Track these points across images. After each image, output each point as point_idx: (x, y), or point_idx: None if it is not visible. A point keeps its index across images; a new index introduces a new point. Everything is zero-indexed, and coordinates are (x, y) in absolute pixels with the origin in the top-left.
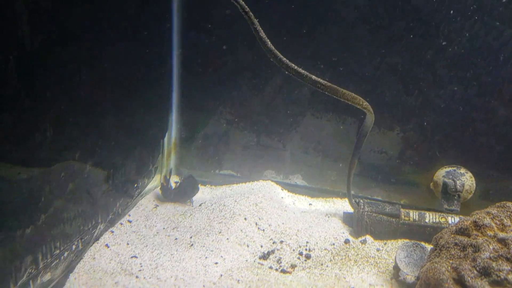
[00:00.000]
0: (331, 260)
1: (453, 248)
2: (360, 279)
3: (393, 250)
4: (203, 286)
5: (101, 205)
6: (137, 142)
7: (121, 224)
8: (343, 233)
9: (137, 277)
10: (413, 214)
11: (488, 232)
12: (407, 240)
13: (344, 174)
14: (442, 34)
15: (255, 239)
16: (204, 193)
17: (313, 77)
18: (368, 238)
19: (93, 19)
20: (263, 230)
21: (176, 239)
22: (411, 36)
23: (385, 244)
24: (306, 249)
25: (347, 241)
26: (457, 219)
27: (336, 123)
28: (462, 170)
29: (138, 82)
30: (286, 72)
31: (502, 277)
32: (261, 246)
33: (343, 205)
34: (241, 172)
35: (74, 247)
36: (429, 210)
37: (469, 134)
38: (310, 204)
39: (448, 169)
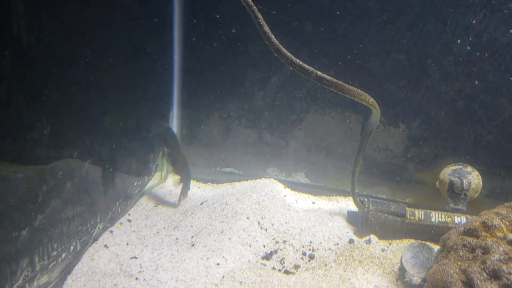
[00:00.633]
0: (335, 260)
1: (461, 250)
2: (365, 281)
3: (399, 250)
4: None
5: (100, 204)
6: (137, 140)
7: (121, 223)
8: (347, 232)
9: (136, 278)
10: (419, 214)
11: (497, 234)
12: (413, 240)
13: (348, 171)
14: (449, 29)
15: (258, 238)
16: (205, 191)
17: (318, 72)
18: (373, 237)
19: (93, 17)
20: (266, 229)
21: (176, 239)
22: (418, 31)
23: (390, 244)
24: (309, 249)
25: (351, 241)
26: (463, 218)
27: (340, 120)
28: (469, 169)
29: (138, 78)
30: (291, 68)
31: None
32: (264, 246)
33: (347, 204)
34: (243, 169)
35: (72, 248)
36: (435, 209)
37: (476, 131)
38: (313, 203)
39: (454, 167)
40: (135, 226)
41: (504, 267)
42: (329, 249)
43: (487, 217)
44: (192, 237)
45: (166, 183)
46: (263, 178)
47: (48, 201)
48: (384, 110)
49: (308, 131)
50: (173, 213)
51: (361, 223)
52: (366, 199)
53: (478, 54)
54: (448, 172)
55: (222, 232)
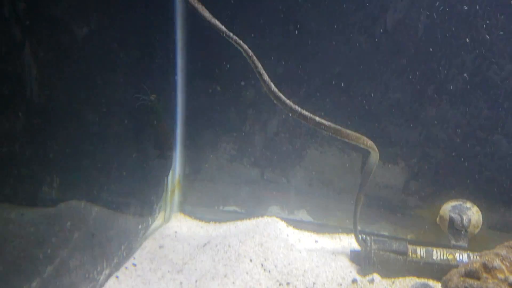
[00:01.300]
0: None
1: None
2: None
3: None
4: None
5: (106, 249)
6: (142, 183)
7: (126, 268)
8: (351, 272)
9: None
10: (421, 251)
11: (498, 275)
12: (416, 279)
13: (350, 208)
14: (443, 69)
15: (261, 281)
16: (208, 231)
17: (317, 118)
18: (376, 276)
19: (99, 83)
20: (269, 271)
21: (181, 283)
22: (413, 72)
23: (393, 282)
24: None
25: (354, 281)
26: (465, 255)
27: (340, 156)
28: (468, 204)
29: (142, 124)
30: (290, 114)
31: None
32: None
33: (350, 242)
34: (246, 208)
35: None
36: (437, 246)
37: (473, 167)
38: (316, 241)
39: (454, 203)
40: (140, 270)
41: None
42: None
43: (487, 258)
44: (196, 281)
45: (170, 223)
46: (265, 217)
47: (57, 250)
48: (382, 147)
49: (309, 168)
50: (177, 255)
51: (364, 262)
52: (368, 238)
53: (472, 92)
54: (448, 208)
55: (225, 276)
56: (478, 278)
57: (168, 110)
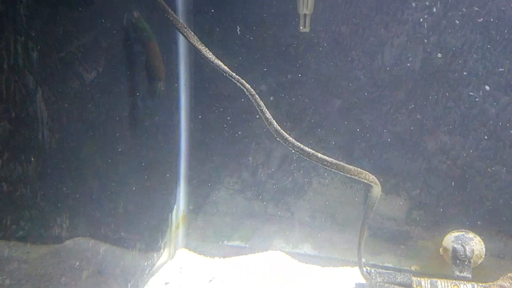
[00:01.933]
0: None
1: None
2: None
3: None
4: None
5: (113, 287)
6: (147, 220)
7: None
8: None
9: None
10: (425, 283)
11: None
12: None
13: (354, 241)
14: (441, 101)
15: None
16: (213, 266)
17: (319, 155)
18: None
19: (109, 121)
20: None
21: None
22: (411, 104)
23: None
24: None
25: None
26: (469, 286)
27: (343, 189)
28: (471, 235)
29: (146, 160)
30: (293, 151)
31: None
32: None
33: (355, 275)
34: (250, 242)
35: None
36: (441, 277)
37: (474, 198)
38: (321, 275)
39: (456, 233)
40: None
41: None
42: None
43: None
44: None
45: (175, 259)
46: (269, 251)
47: None
48: (384, 179)
49: (313, 202)
50: None
51: None
52: (372, 271)
53: (470, 124)
54: (450, 239)
55: None
56: None
57: (172, 143)
